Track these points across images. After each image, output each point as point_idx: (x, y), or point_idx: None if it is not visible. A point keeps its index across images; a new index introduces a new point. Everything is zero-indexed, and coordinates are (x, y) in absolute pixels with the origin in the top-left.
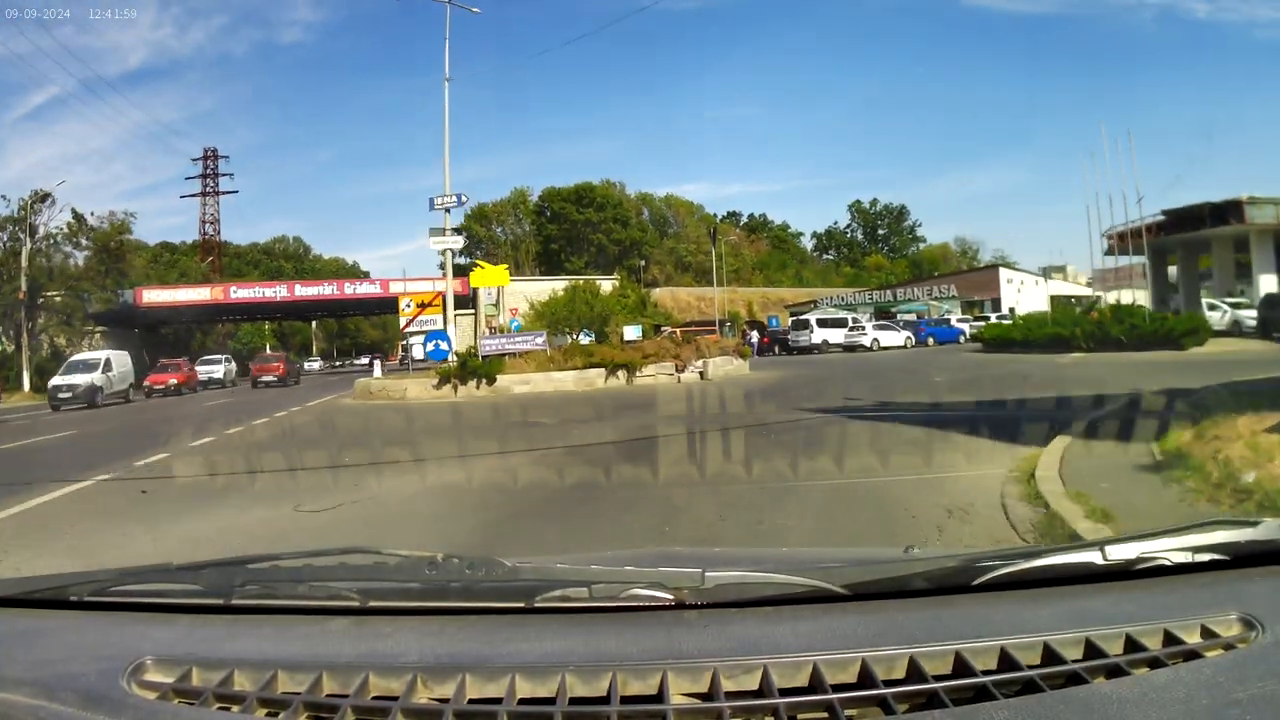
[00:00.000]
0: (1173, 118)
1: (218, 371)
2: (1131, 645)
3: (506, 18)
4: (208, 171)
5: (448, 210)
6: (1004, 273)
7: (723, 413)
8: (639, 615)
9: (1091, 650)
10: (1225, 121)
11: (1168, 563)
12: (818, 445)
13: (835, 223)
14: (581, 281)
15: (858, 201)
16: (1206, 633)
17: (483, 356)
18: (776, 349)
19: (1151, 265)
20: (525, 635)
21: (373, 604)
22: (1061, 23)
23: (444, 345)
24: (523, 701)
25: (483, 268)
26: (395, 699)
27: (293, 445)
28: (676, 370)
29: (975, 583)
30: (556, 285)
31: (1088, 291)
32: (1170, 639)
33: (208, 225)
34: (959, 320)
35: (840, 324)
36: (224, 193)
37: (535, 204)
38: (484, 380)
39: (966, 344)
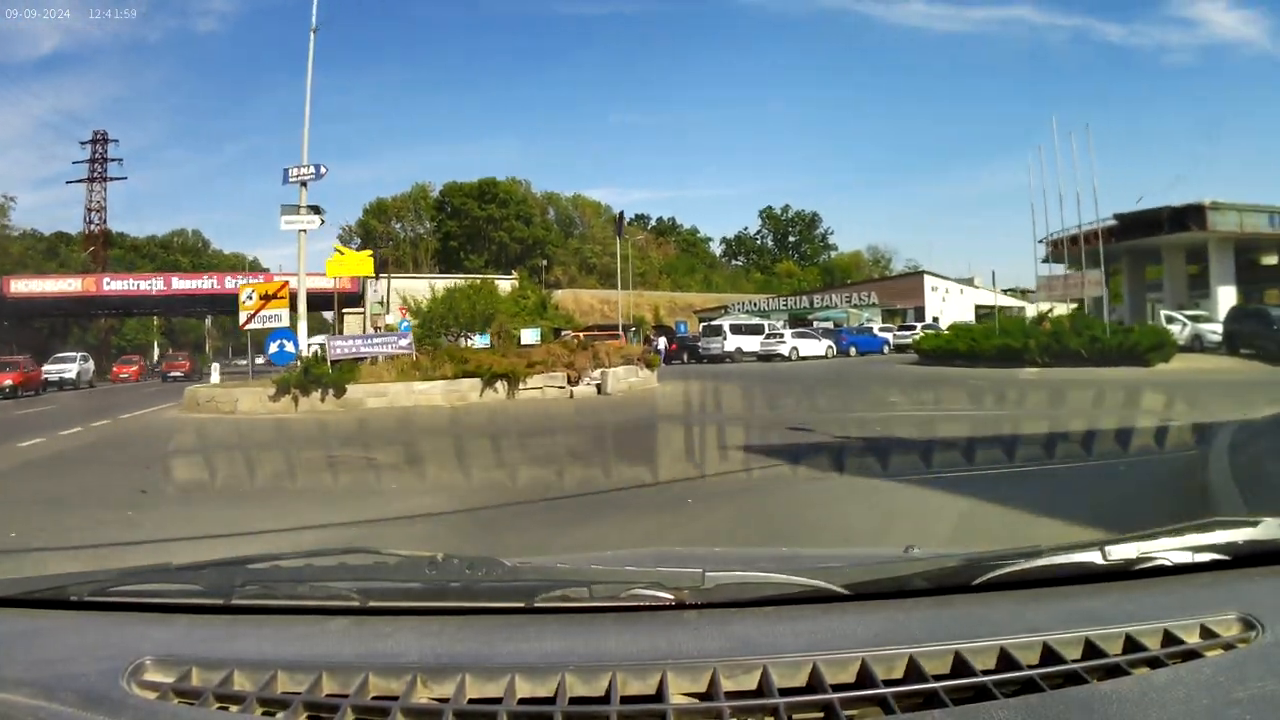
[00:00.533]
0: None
1: (70, 371)
2: (1131, 645)
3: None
4: (96, 156)
5: (304, 184)
6: (929, 280)
7: (621, 451)
8: (639, 615)
9: (1091, 650)
10: (1153, 132)
11: (1167, 563)
12: (789, 536)
13: (745, 228)
14: (479, 280)
15: (769, 208)
16: (1206, 633)
17: (332, 362)
18: (686, 356)
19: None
20: (525, 635)
21: (373, 604)
22: (977, 41)
23: (289, 346)
24: (523, 701)
25: (342, 253)
26: (395, 699)
27: None
28: (569, 382)
29: (975, 582)
30: (454, 284)
31: (1012, 302)
32: (1170, 639)
33: (93, 214)
34: (881, 329)
35: (756, 330)
36: (113, 179)
37: (436, 199)
38: (331, 391)
39: (894, 355)
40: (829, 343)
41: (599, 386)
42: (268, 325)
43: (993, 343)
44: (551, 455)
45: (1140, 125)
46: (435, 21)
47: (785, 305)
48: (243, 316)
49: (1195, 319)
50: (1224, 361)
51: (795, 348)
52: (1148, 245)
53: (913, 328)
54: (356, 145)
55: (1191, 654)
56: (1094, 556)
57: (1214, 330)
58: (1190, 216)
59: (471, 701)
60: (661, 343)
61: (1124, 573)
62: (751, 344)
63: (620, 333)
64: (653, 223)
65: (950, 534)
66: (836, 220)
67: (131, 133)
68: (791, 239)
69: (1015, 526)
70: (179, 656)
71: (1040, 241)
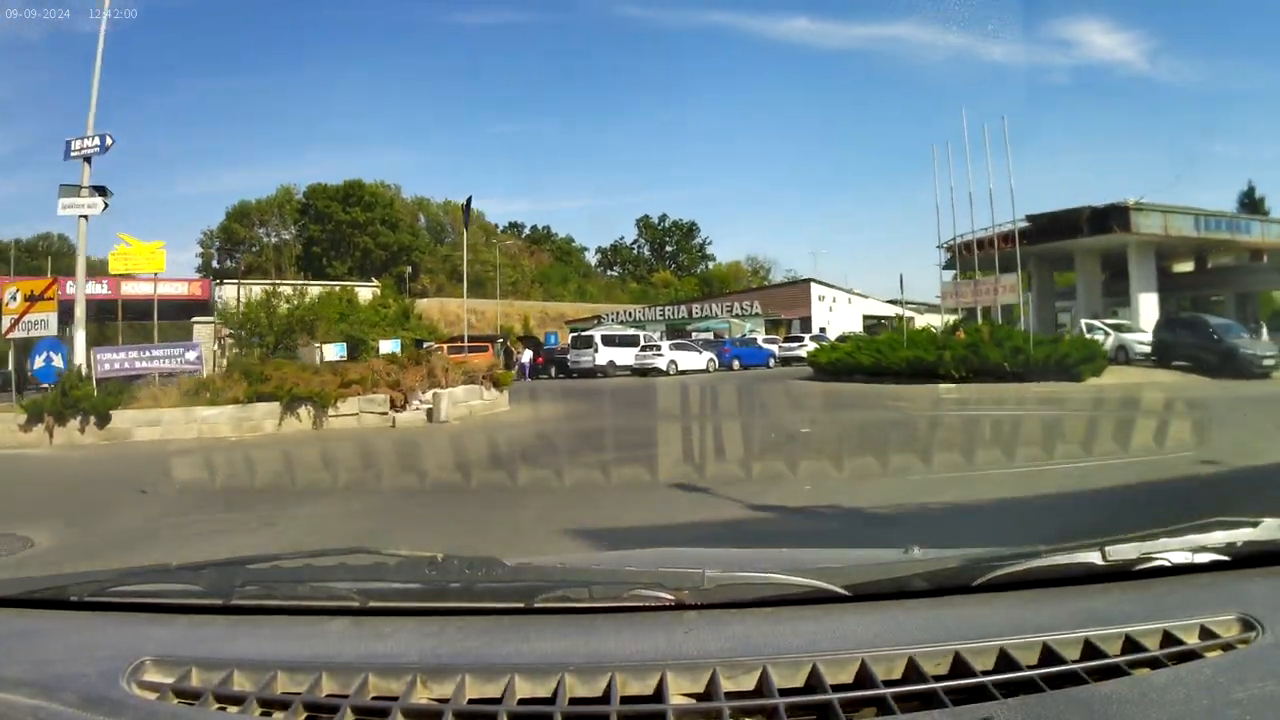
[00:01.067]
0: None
1: None
2: (1131, 645)
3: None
4: None
5: (88, 159)
6: (815, 288)
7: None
8: (639, 615)
9: (1091, 651)
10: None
11: (1167, 563)
12: None
13: (621, 238)
14: (337, 288)
15: (646, 217)
16: (1206, 633)
17: (97, 381)
18: (554, 371)
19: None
20: (525, 635)
21: (372, 604)
22: (859, 57)
23: (56, 360)
24: (522, 701)
25: (129, 244)
26: (395, 699)
27: None
28: (393, 406)
29: (975, 583)
30: (310, 291)
31: (905, 312)
32: (1170, 639)
33: None
34: (766, 340)
35: (630, 342)
36: None
37: (300, 202)
38: (93, 419)
39: (783, 369)
40: (710, 355)
41: (430, 412)
42: (33, 334)
43: (900, 356)
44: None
45: (1022, 143)
46: (315, 24)
47: (662, 315)
48: (5, 322)
49: (1118, 329)
50: (1159, 374)
51: (673, 361)
52: (1059, 250)
53: (800, 339)
54: (225, 146)
55: (1191, 654)
56: (1094, 557)
57: (1140, 341)
58: (1113, 218)
59: (471, 702)
60: (526, 356)
61: (1124, 573)
62: (625, 357)
63: (488, 345)
64: (527, 231)
65: None
66: (717, 231)
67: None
68: (669, 249)
69: None
70: (179, 657)
71: (940, 247)
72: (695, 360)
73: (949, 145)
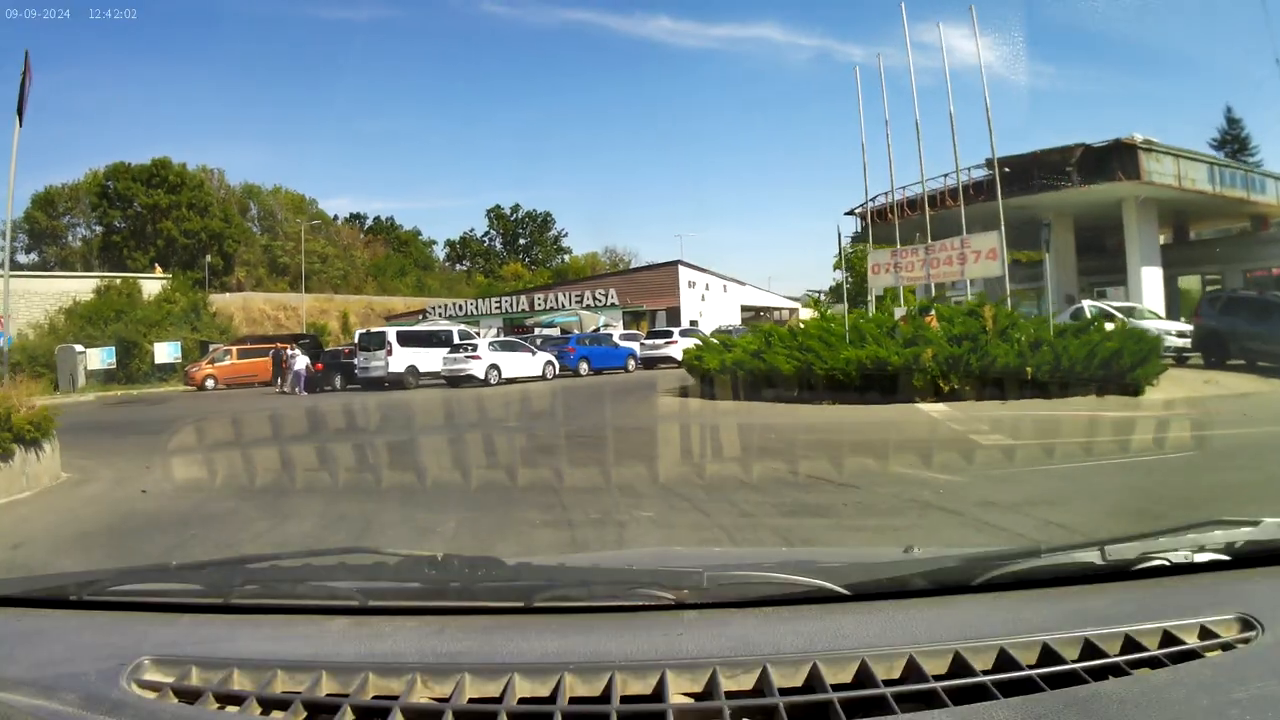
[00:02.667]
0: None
1: None
2: (1131, 645)
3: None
4: None
5: None
6: (685, 273)
7: None
8: (639, 615)
9: (1091, 650)
10: None
11: (1167, 563)
12: None
13: (471, 229)
14: (119, 280)
15: (497, 207)
16: (1206, 633)
17: None
18: (339, 380)
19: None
20: (525, 635)
21: (373, 604)
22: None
23: None
24: (522, 701)
25: None
26: (395, 698)
27: None
28: None
29: (975, 582)
30: (82, 285)
31: (789, 304)
32: (1170, 639)
33: None
34: (624, 337)
35: (436, 341)
36: None
37: (98, 184)
38: None
39: (645, 374)
40: (548, 357)
41: None
42: None
43: (846, 357)
44: None
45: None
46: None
47: (500, 308)
48: None
49: (1131, 313)
50: (1229, 379)
51: (495, 365)
52: (1024, 210)
53: (667, 334)
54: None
55: (1191, 654)
56: (1094, 556)
57: (1173, 330)
58: (1116, 160)
59: (471, 701)
60: (300, 363)
61: (1124, 573)
62: (430, 361)
63: (287, 346)
64: (370, 222)
65: None
66: (572, 224)
67: None
68: (522, 241)
69: None
70: (179, 656)
71: (852, 213)
72: (526, 364)
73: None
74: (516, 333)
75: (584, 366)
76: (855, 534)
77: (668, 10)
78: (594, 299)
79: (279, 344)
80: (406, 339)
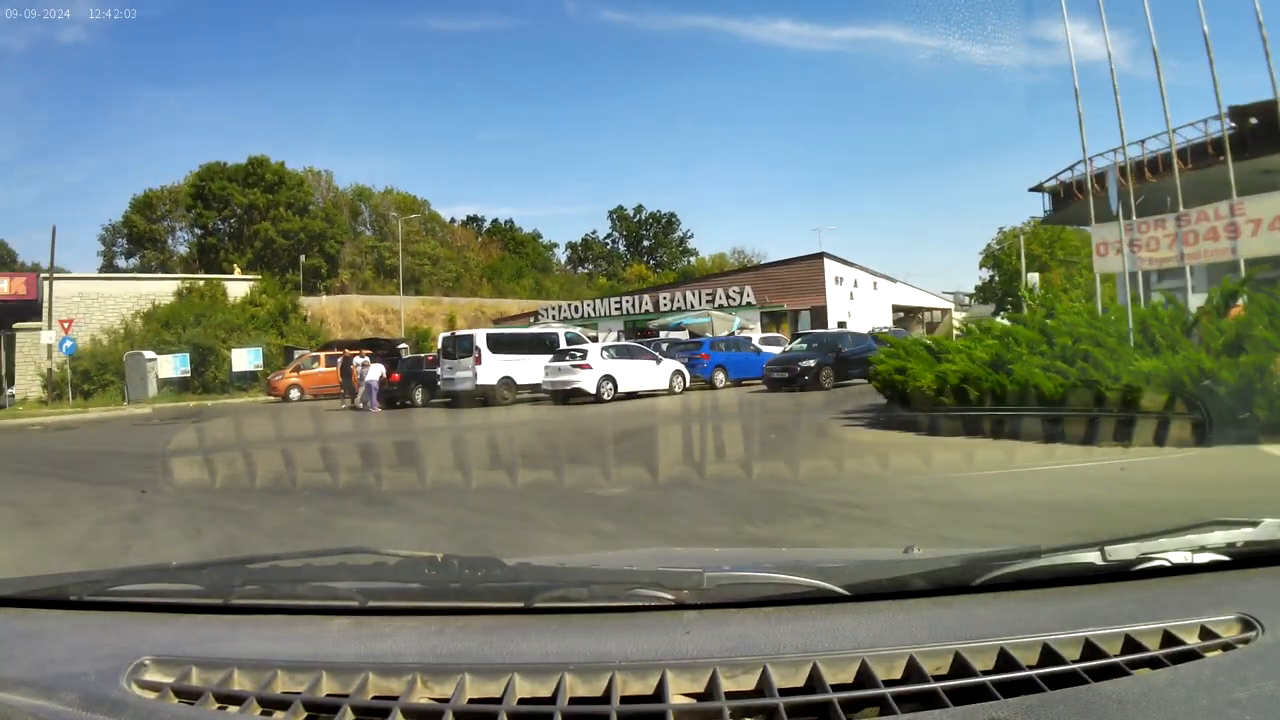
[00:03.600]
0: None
1: None
2: (1131, 645)
3: None
4: None
5: None
6: (831, 267)
7: None
8: (639, 615)
9: (1091, 650)
10: None
11: (1167, 563)
12: None
13: (593, 231)
14: (201, 282)
15: (620, 208)
16: (1206, 633)
17: None
18: (419, 394)
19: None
20: (525, 635)
21: (373, 604)
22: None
23: None
24: (523, 701)
25: None
26: (395, 699)
27: None
28: None
29: (975, 583)
30: (163, 287)
31: (942, 303)
32: (1170, 639)
33: None
34: (764, 340)
35: (538, 346)
36: None
37: (192, 184)
38: None
39: (793, 391)
40: (675, 366)
41: None
42: None
43: (1139, 369)
44: None
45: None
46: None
47: (620, 309)
48: None
49: None
50: None
51: (609, 376)
52: (1269, 171)
53: (818, 336)
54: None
55: (1191, 654)
56: (1094, 557)
57: None
58: None
59: (471, 701)
60: (374, 373)
61: (1124, 573)
62: (530, 370)
63: (356, 353)
64: (487, 225)
65: None
66: (700, 227)
67: None
68: (646, 243)
69: None
70: (179, 656)
71: (1040, 188)
72: (649, 374)
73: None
74: (638, 337)
75: (720, 377)
76: None
77: (789, 14)
78: (727, 298)
79: (347, 350)
80: (500, 344)
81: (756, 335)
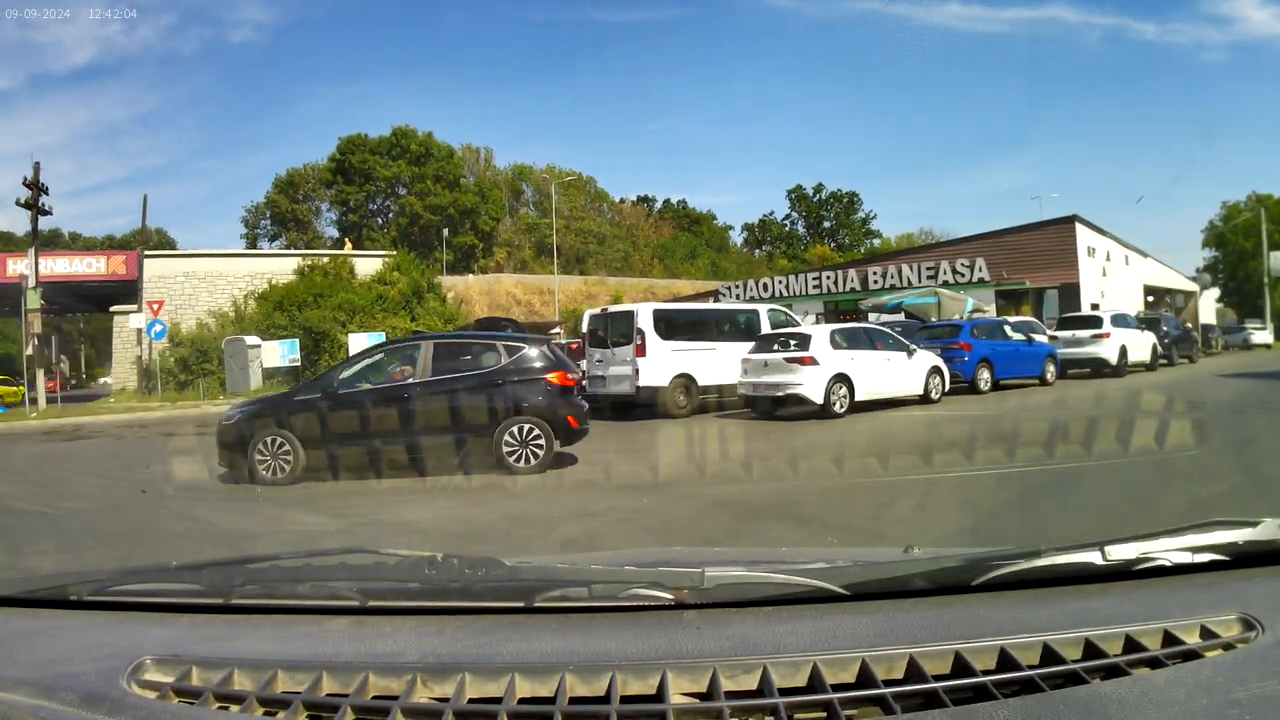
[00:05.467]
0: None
1: None
2: (1131, 645)
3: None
4: None
5: None
6: (1084, 234)
7: None
8: (639, 615)
9: (1091, 650)
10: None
11: (1167, 563)
12: None
13: (771, 212)
14: (325, 259)
15: (799, 187)
16: (1206, 633)
17: None
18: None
19: None
20: (525, 635)
21: (373, 604)
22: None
23: None
24: (523, 701)
25: None
26: (395, 698)
27: None
28: None
29: (975, 583)
30: (282, 265)
31: (1188, 285)
32: (1170, 639)
33: None
34: (1019, 327)
35: (728, 330)
36: None
37: (333, 158)
38: None
39: (1071, 385)
40: (933, 360)
41: None
42: None
43: None
44: None
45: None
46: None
47: (819, 288)
48: None
49: None
50: None
51: (843, 377)
52: None
53: (1093, 321)
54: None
55: (1191, 654)
56: (1094, 557)
57: None
58: None
59: (471, 701)
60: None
61: (1124, 573)
62: (719, 365)
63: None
64: (658, 205)
65: None
66: (879, 205)
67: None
68: (826, 224)
69: None
70: (179, 656)
71: None
72: (896, 374)
73: None
74: (843, 321)
75: (984, 376)
76: None
77: None
78: (954, 273)
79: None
80: (673, 326)
81: (1007, 321)
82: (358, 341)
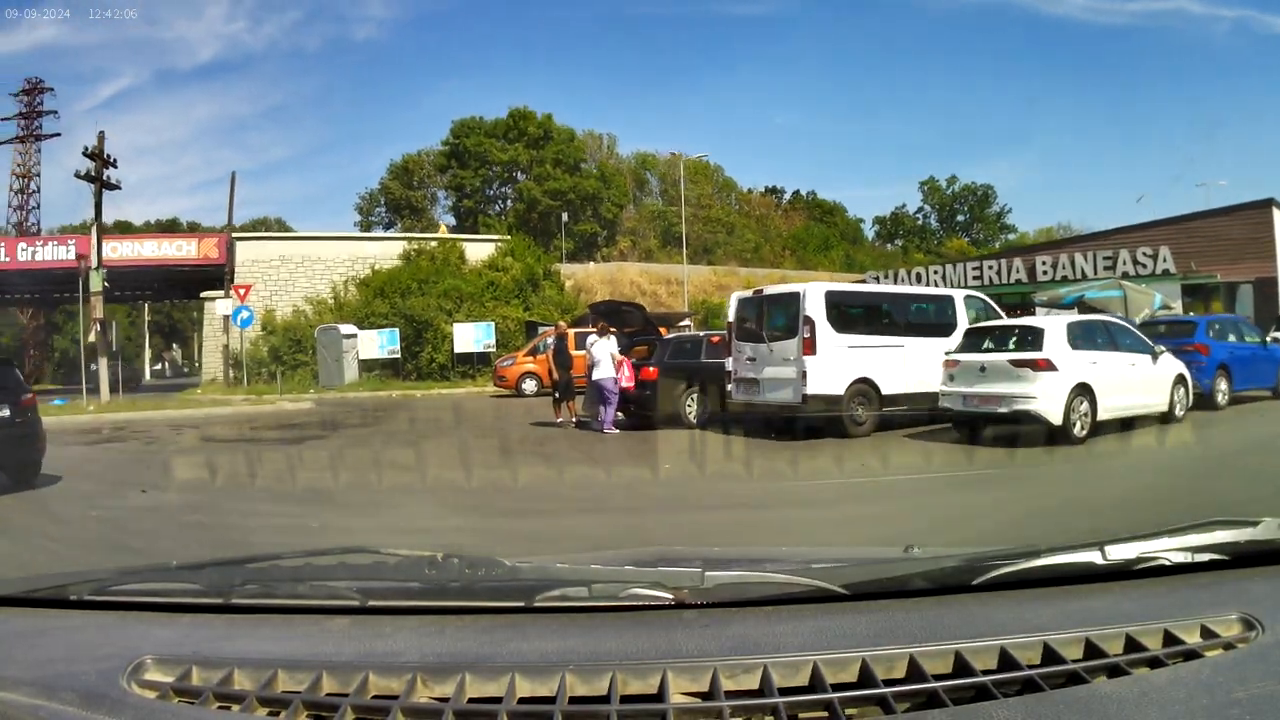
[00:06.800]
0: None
1: None
2: (1131, 645)
3: None
4: (31, 109)
5: None
6: None
7: None
8: (639, 615)
9: (1091, 650)
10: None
11: (1168, 563)
12: None
13: (903, 205)
14: (433, 244)
15: (931, 179)
16: (1206, 632)
17: None
18: (695, 402)
19: None
20: (525, 635)
21: (373, 603)
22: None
23: None
24: (523, 700)
25: None
26: (395, 698)
27: None
28: None
29: (975, 582)
30: (386, 249)
31: None
32: (1170, 639)
33: (17, 179)
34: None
35: (918, 323)
36: (47, 136)
37: (446, 142)
38: None
39: None
40: (1177, 367)
41: None
42: None
43: None
44: None
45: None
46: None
47: (977, 278)
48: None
49: None
50: None
51: (1085, 389)
52: None
53: None
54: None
55: (1192, 654)
56: (1094, 556)
57: None
58: None
59: (471, 701)
60: (604, 362)
61: (1124, 573)
62: (903, 368)
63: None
64: (787, 196)
65: None
66: (1013, 201)
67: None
68: (960, 217)
69: None
70: (179, 656)
71: None
72: (1141, 384)
73: None
74: (1017, 313)
75: (1221, 387)
76: None
77: None
78: (1133, 262)
79: (561, 325)
80: (847, 316)
81: (1230, 316)
82: (463, 333)
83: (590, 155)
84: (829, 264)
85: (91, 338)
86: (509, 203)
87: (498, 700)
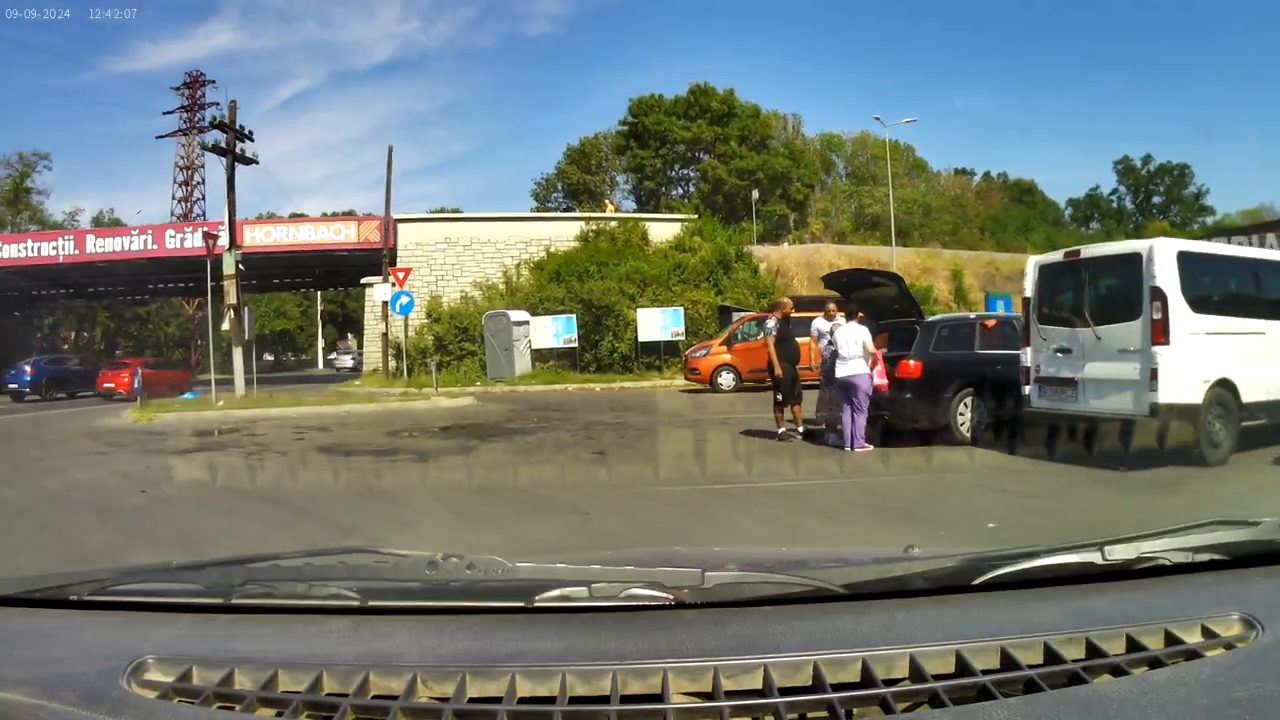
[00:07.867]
0: None
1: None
2: (1132, 645)
3: None
4: (194, 102)
5: None
6: None
7: None
8: (639, 615)
9: (1091, 650)
10: None
11: (1168, 563)
12: None
13: (1097, 186)
14: (613, 224)
15: (1125, 158)
16: (1206, 632)
17: None
18: (965, 411)
19: None
20: (525, 635)
21: (373, 604)
22: None
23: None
24: (523, 701)
25: None
26: (395, 698)
27: None
28: None
29: (975, 582)
30: (562, 230)
31: None
32: (1170, 639)
33: (180, 170)
34: None
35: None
36: (206, 128)
37: (624, 122)
38: None
39: None
40: None
41: None
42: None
43: None
44: None
45: None
46: None
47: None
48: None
49: None
50: None
51: None
52: None
53: None
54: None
55: (1192, 654)
56: (1094, 556)
57: None
58: None
59: (471, 701)
60: (855, 356)
61: (1124, 573)
62: (1269, 369)
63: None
64: (978, 178)
65: None
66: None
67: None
68: (1156, 199)
69: None
70: (179, 656)
71: None
72: None
73: None
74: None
75: None
76: None
77: None
78: None
79: (783, 304)
80: (1203, 285)
81: None
82: (648, 319)
83: (775, 135)
84: (1031, 247)
85: (225, 326)
86: (692, 185)
87: (498, 700)
